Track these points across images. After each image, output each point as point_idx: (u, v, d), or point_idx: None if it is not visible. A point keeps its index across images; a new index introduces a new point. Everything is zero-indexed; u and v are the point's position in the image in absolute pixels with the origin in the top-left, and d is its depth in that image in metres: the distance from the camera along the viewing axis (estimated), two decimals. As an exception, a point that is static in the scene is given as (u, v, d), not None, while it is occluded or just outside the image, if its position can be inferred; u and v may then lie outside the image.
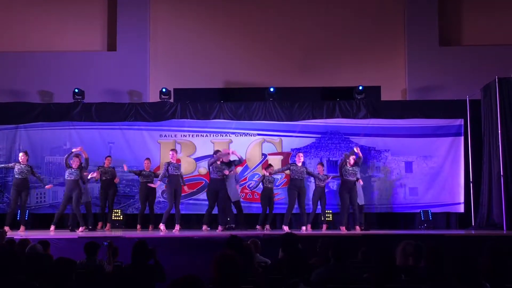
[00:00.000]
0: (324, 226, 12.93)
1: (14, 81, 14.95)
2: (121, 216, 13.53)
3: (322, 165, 13.11)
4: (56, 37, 15.45)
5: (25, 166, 12.38)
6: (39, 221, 13.46)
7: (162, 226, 12.14)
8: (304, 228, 12.38)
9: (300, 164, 12.56)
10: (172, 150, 12.64)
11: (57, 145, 14.03)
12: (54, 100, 14.83)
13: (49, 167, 13.96)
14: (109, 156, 13.29)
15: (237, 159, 12.57)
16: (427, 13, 15.15)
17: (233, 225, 12.57)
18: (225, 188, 12.19)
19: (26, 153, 12.55)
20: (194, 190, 13.77)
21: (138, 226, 12.73)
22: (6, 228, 11.23)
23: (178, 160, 12.99)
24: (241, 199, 13.11)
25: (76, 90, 14.14)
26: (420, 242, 5.83)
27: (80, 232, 11.72)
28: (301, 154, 12.74)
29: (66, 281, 4.84)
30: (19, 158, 12.49)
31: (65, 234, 11.19)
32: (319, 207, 13.02)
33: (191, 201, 13.81)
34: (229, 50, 15.25)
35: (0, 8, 15.61)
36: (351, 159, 12.37)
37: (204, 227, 12.13)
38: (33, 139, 14.04)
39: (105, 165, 13.10)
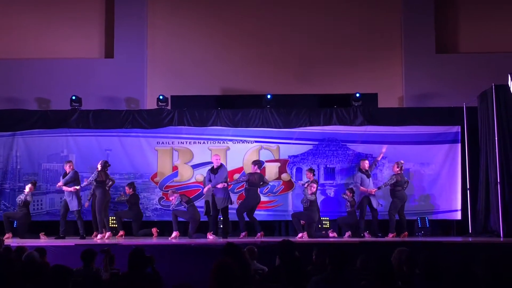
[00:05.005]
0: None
1: (11, 88, 14.92)
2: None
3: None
4: (53, 44, 15.44)
5: None
6: (36, 228, 13.43)
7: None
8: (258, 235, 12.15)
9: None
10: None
11: (54, 152, 14.00)
12: (51, 107, 14.81)
13: (46, 174, 13.92)
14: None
15: None
16: (423, 20, 15.19)
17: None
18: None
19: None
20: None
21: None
22: None
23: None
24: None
25: (73, 97, 14.10)
26: (416, 249, 5.83)
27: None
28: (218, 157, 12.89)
29: (63, 289, 4.84)
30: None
31: (62, 241, 11.18)
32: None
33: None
34: (226, 57, 15.27)
35: (-2, 15, 15.63)
36: None
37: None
38: (30, 146, 14.01)
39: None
